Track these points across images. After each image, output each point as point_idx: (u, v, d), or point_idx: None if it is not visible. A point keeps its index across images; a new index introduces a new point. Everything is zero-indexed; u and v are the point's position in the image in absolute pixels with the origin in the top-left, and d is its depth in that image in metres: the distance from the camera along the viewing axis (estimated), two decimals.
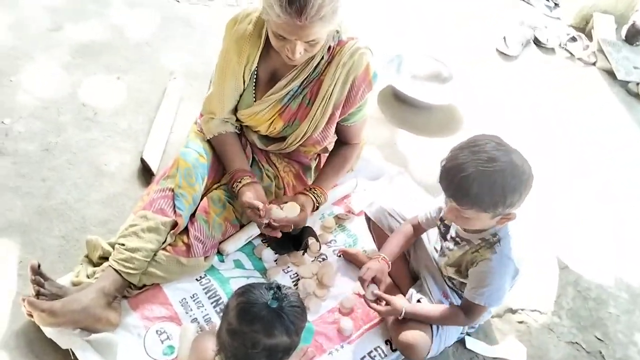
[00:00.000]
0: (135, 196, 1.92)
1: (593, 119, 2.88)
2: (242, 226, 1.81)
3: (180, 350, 1.51)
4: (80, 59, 2.46)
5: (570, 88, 3.07)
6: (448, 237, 1.61)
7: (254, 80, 1.72)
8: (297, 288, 1.74)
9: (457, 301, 1.66)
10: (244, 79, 1.70)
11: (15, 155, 1.99)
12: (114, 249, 1.61)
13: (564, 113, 2.87)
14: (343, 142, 1.90)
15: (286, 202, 1.71)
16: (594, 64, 3.27)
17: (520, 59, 3.20)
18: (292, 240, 1.82)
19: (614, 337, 1.88)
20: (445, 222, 1.61)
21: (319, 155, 1.99)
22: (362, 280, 1.60)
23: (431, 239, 1.78)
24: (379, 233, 1.83)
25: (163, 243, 1.65)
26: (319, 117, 1.72)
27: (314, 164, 1.97)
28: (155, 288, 1.65)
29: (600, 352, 1.82)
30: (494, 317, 1.81)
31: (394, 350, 1.64)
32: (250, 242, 1.85)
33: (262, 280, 1.75)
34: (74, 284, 1.57)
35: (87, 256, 1.66)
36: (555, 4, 3.71)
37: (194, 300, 1.66)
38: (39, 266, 1.48)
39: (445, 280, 1.69)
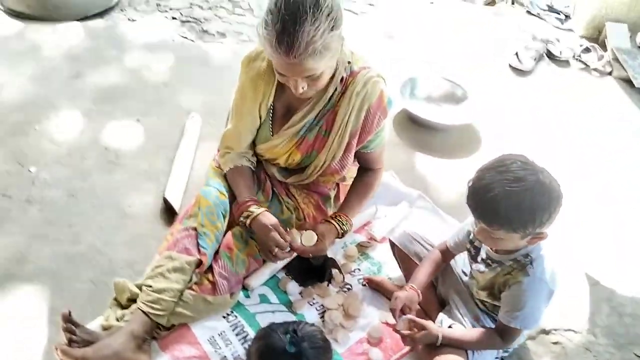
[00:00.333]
0: (160, 236, 1.94)
1: (615, 128, 2.84)
2: (265, 260, 1.82)
3: None
4: (100, 104, 2.54)
5: (589, 99, 3.03)
6: (478, 259, 1.59)
7: (271, 115, 1.76)
8: (323, 320, 1.74)
9: (489, 324, 1.63)
10: (260, 115, 1.74)
11: (42, 203, 2.05)
12: (141, 290, 1.63)
13: (584, 125, 2.84)
14: (365, 168, 1.91)
15: (306, 230, 1.72)
16: (609, 73, 3.24)
17: (534, 73, 3.19)
18: (315, 272, 1.82)
19: None
20: (475, 244, 1.59)
21: (337, 184, 2.00)
22: (392, 310, 1.59)
23: (458, 262, 1.76)
24: (404, 259, 1.81)
25: (189, 282, 1.66)
26: (336, 146, 1.73)
27: (332, 194, 1.98)
28: (184, 327, 1.66)
29: None
30: (527, 339, 1.77)
31: None
32: (274, 275, 1.85)
33: (288, 314, 1.75)
34: (104, 328, 1.59)
35: (115, 299, 1.68)
36: (566, 16, 3.71)
37: (222, 338, 1.66)
38: (69, 314, 1.50)
39: (476, 304, 1.66)
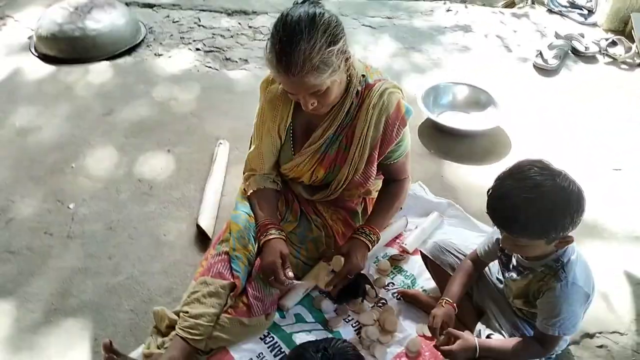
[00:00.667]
0: (195, 262, 1.99)
1: None
2: (299, 279, 1.83)
3: None
4: (132, 138, 2.62)
5: (619, 91, 2.96)
6: (510, 266, 1.57)
7: (291, 134, 1.79)
8: (360, 337, 1.74)
9: (528, 332, 1.60)
10: (280, 135, 1.78)
11: (83, 237, 2.12)
12: (179, 317, 1.67)
13: (618, 118, 2.77)
14: (391, 179, 1.92)
15: (332, 259, 1.74)
16: (639, 65, 3.15)
17: (560, 72, 3.14)
18: (349, 288, 1.82)
19: None
20: (506, 251, 1.57)
21: (364, 199, 2.00)
22: (432, 330, 1.58)
23: (493, 270, 1.74)
24: (437, 270, 1.80)
25: (224, 306, 1.69)
26: (357, 159, 1.75)
27: (360, 209, 1.99)
28: (222, 351, 1.68)
29: None
30: (570, 344, 1.72)
31: None
32: (308, 294, 1.86)
33: (324, 332, 1.75)
34: (146, 356, 1.63)
35: (155, 327, 1.72)
36: (589, 11, 3.64)
37: None
38: (110, 343, 1.55)
39: (514, 312, 1.64)
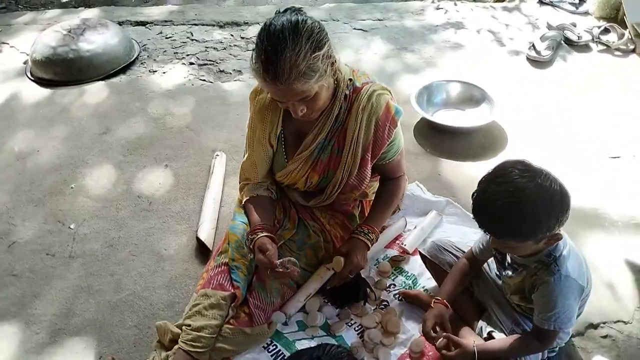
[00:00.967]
0: (196, 275, 2.00)
1: None
2: (299, 286, 1.84)
3: None
4: (130, 155, 2.64)
5: (613, 80, 2.95)
6: (505, 264, 1.56)
7: (282, 142, 1.80)
8: (363, 340, 1.73)
9: (529, 327, 1.58)
10: (271, 144, 1.79)
11: (84, 256, 2.14)
12: (182, 330, 1.68)
13: (614, 106, 2.76)
14: (387, 178, 1.92)
15: (330, 260, 1.74)
16: (633, 50, 3.14)
17: (554, 62, 3.13)
18: (349, 292, 1.82)
19: None
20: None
21: (361, 202, 2.01)
22: (426, 334, 1.58)
23: (492, 267, 1.73)
24: (436, 270, 1.80)
25: (226, 317, 1.70)
26: (350, 162, 1.75)
27: (357, 212, 1.99)
28: None
29: None
30: (574, 336, 1.71)
31: None
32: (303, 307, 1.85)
33: (327, 337, 1.75)
34: None
35: (159, 341, 1.73)
36: (581, 0, 3.63)
37: None
38: None
39: (514, 307, 1.63)
